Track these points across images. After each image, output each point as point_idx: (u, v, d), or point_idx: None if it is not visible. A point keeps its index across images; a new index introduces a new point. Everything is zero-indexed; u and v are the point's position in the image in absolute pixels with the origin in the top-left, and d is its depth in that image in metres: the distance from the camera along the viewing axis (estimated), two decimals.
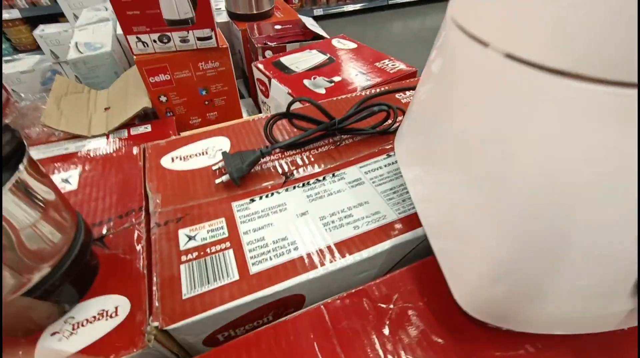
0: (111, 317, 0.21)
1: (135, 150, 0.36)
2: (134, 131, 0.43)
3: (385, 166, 0.32)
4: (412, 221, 0.26)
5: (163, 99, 0.63)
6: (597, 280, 0.16)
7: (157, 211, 0.28)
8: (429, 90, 0.23)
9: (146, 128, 0.46)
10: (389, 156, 0.33)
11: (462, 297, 0.19)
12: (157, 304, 0.22)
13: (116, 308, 0.22)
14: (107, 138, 0.40)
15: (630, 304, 0.16)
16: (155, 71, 0.50)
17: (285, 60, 0.54)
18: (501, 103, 0.16)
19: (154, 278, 0.23)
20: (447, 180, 0.21)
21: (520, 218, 0.15)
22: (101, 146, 0.38)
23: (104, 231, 0.27)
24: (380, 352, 0.20)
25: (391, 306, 0.22)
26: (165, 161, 0.33)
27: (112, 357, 0.20)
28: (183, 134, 0.53)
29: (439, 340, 0.20)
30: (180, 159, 0.33)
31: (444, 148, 0.21)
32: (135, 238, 0.26)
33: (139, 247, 0.25)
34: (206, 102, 0.74)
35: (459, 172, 0.20)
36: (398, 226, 0.26)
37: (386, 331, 0.21)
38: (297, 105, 0.40)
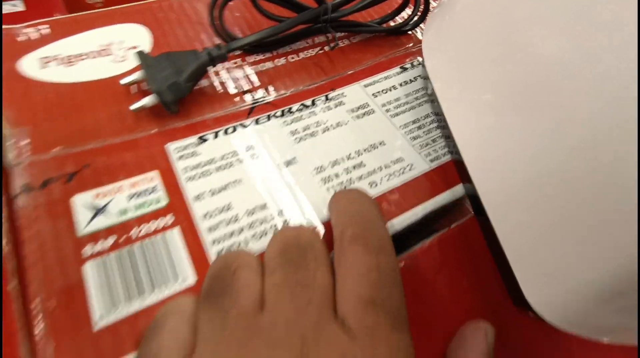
0: None
1: None
2: None
3: (401, 84, 0.22)
4: (446, 172, 0.18)
5: None
6: None
7: (23, 161, 0.16)
8: None
9: (15, 5, 0.32)
10: (403, 69, 0.23)
11: (543, 304, 0.13)
12: (43, 348, 0.12)
13: None
14: None
15: None
16: None
17: None
18: None
19: (33, 296, 0.13)
20: (550, 134, 0.13)
21: None
22: None
23: None
24: None
25: None
26: (30, 65, 0.19)
27: None
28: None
29: None
30: (61, 61, 0.19)
31: (541, 72, 0.13)
32: None
33: None
34: None
35: (579, 121, 0.12)
36: (432, 181, 0.18)
37: None
38: None
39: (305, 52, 0.23)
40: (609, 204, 0.11)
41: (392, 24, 0.24)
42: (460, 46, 0.18)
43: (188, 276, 0.14)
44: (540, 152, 0.13)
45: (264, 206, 0.16)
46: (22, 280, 0.13)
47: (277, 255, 0.11)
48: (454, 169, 0.18)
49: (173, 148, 0.17)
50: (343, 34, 0.24)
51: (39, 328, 0.12)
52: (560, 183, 0.12)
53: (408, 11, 0.24)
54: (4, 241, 0.14)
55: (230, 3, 0.21)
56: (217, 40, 0.22)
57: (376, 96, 0.21)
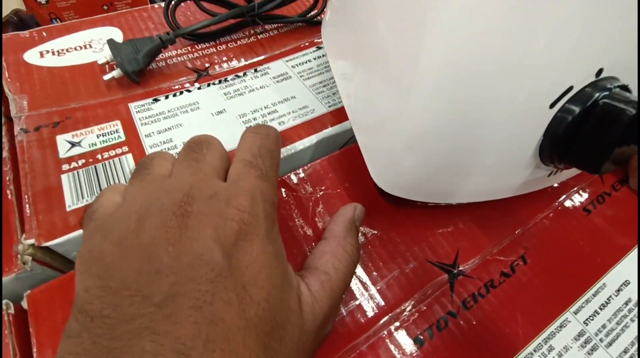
0: None
1: None
2: None
3: (315, 59, 0.28)
4: (342, 114, 0.24)
5: None
6: (498, 157, 0.16)
7: (22, 115, 0.22)
8: None
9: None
10: (319, 48, 0.29)
11: (378, 174, 0.19)
12: (30, 219, 0.17)
13: None
14: None
15: (521, 178, 0.17)
16: None
17: None
18: None
19: (24, 192, 0.18)
20: (368, 68, 0.19)
21: (432, 99, 0.15)
22: None
23: None
24: (301, 238, 0.18)
25: (311, 193, 0.20)
26: (31, 56, 0.25)
27: None
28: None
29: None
30: (54, 53, 0.26)
31: (364, 36, 0.19)
32: None
33: None
34: (105, 7, 0.60)
35: (377, 57, 0.18)
36: (327, 119, 0.23)
37: (306, 218, 0.19)
38: None
39: (242, 40, 0.29)
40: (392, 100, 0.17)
41: (309, 16, 0.31)
42: (336, 29, 0.24)
43: None
44: (369, 97, 0.19)
45: None
46: (17, 184, 0.19)
47: (184, 147, 0.16)
48: (344, 111, 0.24)
49: (133, 105, 0.23)
50: (275, 25, 0.30)
51: (28, 210, 0.18)
52: (371, 105, 0.18)
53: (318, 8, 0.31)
54: (5, 167, 0.19)
55: (182, 4, 0.27)
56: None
57: (294, 67, 0.27)
